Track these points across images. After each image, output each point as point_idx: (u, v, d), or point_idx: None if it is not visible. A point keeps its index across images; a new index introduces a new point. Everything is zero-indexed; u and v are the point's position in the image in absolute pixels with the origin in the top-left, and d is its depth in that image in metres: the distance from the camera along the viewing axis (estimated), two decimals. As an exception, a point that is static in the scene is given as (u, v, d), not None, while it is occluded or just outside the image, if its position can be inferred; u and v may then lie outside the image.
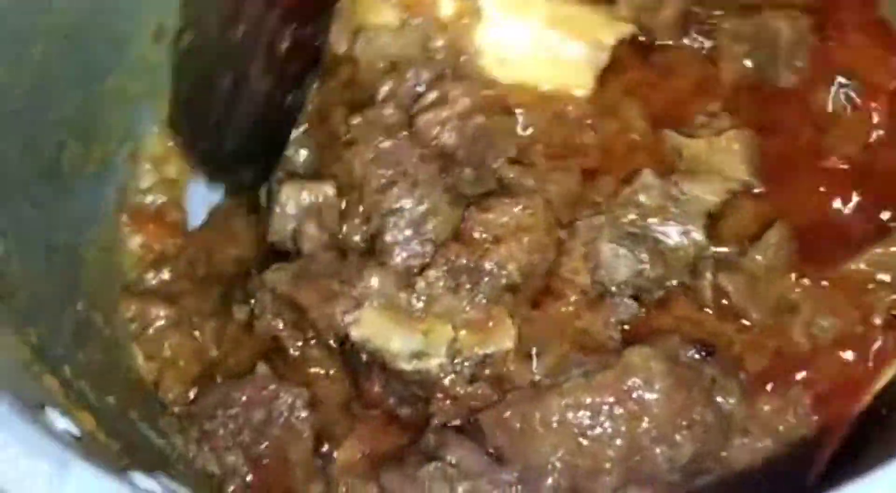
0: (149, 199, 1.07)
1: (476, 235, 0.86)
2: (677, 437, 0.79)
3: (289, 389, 0.88)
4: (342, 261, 0.89)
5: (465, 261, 0.86)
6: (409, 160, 0.90)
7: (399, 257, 0.87)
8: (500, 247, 0.86)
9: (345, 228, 0.90)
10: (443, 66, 0.92)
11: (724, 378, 0.81)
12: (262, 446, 0.88)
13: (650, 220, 0.87)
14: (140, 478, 0.67)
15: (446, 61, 0.92)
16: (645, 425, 0.79)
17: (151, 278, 1.01)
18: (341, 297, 0.86)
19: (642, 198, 0.87)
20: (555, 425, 0.79)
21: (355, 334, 0.85)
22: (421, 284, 0.85)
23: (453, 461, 0.79)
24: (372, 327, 0.85)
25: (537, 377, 0.83)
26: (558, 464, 0.79)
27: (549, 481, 0.79)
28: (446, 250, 0.86)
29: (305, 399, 0.88)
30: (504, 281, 0.86)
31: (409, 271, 0.87)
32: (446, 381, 0.84)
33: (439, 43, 0.93)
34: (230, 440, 0.88)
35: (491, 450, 0.81)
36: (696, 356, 0.82)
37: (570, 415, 0.79)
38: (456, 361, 0.84)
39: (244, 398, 0.89)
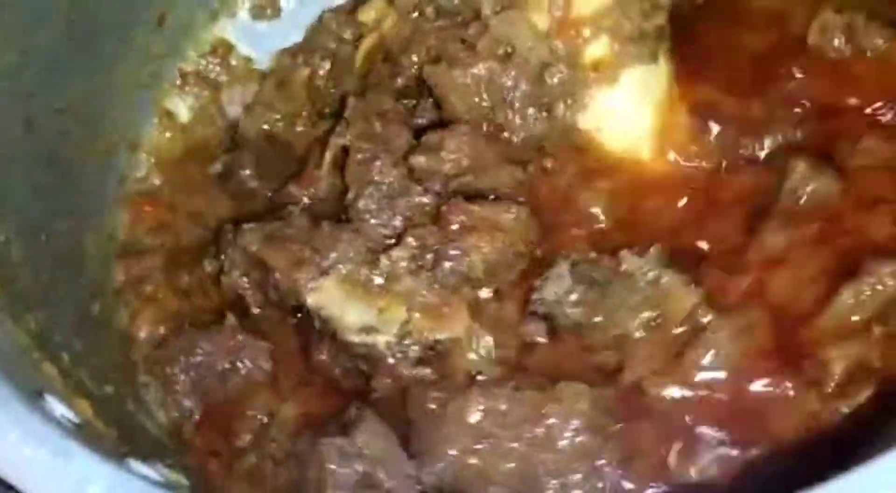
0: (146, 184, 1.07)
1: (453, 218, 0.88)
2: (572, 478, 0.78)
3: (255, 342, 0.91)
4: (315, 228, 0.90)
5: (433, 242, 0.87)
6: (397, 142, 0.92)
7: (368, 225, 0.89)
8: (473, 236, 0.87)
9: None
10: (545, 95, 0.92)
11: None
12: (220, 393, 0.90)
13: (617, 279, 0.85)
14: (138, 465, 0.67)
15: (551, 92, 0.92)
16: (545, 455, 0.78)
17: (147, 244, 1.04)
18: (309, 264, 0.88)
19: (626, 256, 0.85)
20: (466, 419, 0.79)
21: (311, 301, 0.87)
22: (385, 261, 0.87)
23: (359, 443, 0.79)
24: (329, 297, 0.87)
25: (476, 373, 0.84)
26: (451, 457, 0.79)
27: (436, 468, 0.79)
28: (420, 229, 0.88)
29: (269, 353, 0.91)
30: (465, 270, 0.87)
31: (378, 241, 0.88)
32: (391, 359, 0.86)
33: (560, 73, 0.92)
34: (189, 386, 0.91)
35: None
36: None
37: (481, 416, 0.79)
38: (405, 341, 0.86)
39: (210, 348, 0.91)
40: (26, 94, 0.89)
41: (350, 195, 0.91)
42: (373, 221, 0.89)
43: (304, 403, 0.89)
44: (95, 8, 0.97)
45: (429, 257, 0.87)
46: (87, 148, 0.99)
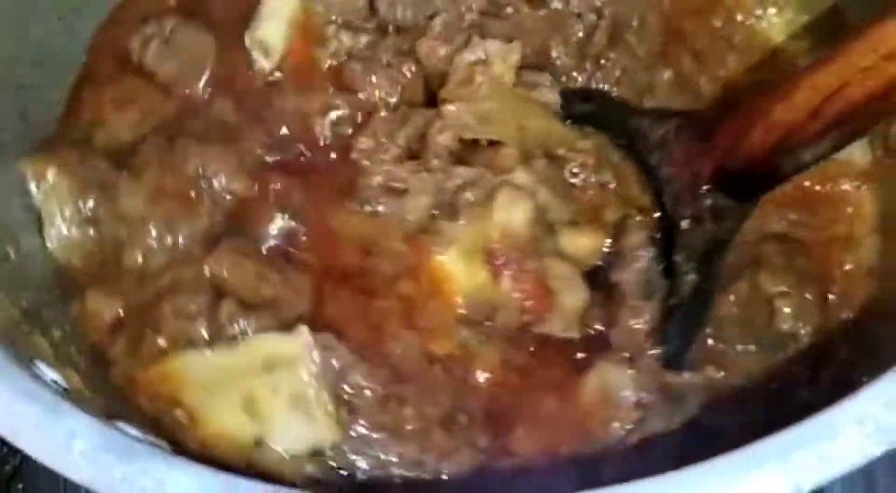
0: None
1: (427, 60, 0.95)
2: None
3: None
4: None
5: (390, 54, 0.96)
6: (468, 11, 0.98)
7: (387, 13, 0.98)
8: (411, 82, 0.95)
9: None
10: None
11: None
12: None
13: None
14: (125, 426, 0.69)
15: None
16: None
17: None
18: None
19: None
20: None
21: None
22: (346, 33, 0.97)
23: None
24: (279, 5, 0.98)
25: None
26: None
27: None
28: (399, 42, 0.97)
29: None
30: (373, 95, 0.95)
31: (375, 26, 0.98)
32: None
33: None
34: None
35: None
36: None
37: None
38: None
39: None
40: (23, 82, 0.92)
41: None
42: (396, 16, 0.98)
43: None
44: (85, 5, 1.00)
45: (382, 56, 0.96)
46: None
